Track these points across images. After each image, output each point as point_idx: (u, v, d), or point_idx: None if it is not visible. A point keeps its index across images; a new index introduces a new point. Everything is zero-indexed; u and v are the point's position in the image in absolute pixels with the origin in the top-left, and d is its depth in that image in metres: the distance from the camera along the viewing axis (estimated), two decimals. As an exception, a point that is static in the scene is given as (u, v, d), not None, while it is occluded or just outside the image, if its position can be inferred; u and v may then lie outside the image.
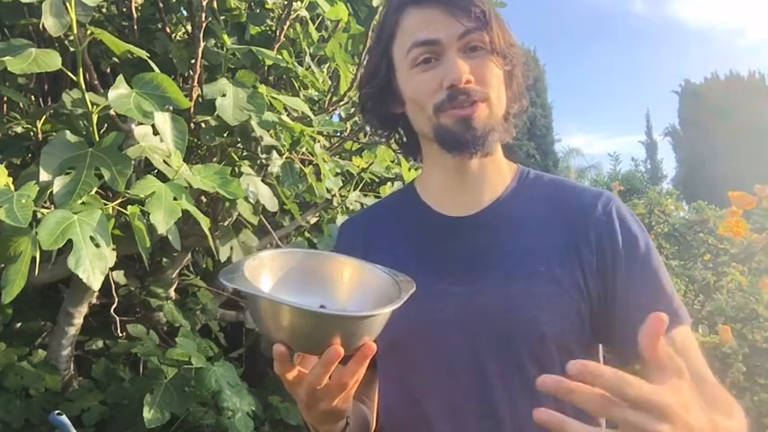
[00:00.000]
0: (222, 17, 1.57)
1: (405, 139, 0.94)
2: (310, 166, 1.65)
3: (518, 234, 0.83)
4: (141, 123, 1.26)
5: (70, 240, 0.99)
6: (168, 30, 1.61)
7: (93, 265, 1.01)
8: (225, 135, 1.51)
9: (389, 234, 0.91)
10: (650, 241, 0.84)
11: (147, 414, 1.34)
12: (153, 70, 1.21)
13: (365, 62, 0.94)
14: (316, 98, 1.97)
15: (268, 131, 1.51)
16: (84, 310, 1.50)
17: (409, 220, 0.91)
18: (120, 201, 1.15)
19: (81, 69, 1.12)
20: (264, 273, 0.70)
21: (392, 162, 2.02)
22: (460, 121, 0.78)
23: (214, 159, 1.58)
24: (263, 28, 1.67)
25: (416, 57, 0.80)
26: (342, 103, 1.79)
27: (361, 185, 1.96)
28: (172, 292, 1.83)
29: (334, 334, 0.59)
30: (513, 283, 0.78)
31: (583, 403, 0.50)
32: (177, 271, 1.85)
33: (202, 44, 1.40)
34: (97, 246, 1.03)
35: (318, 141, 1.69)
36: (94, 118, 1.18)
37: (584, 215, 0.82)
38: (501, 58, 0.81)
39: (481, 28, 0.78)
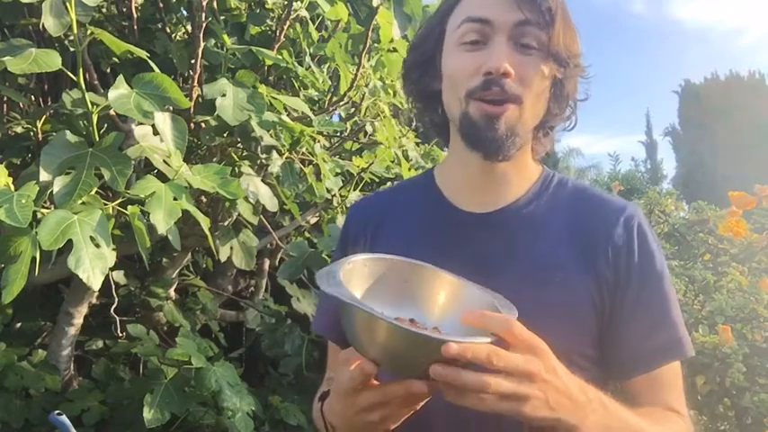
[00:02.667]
0: (222, 17, 1.57)
1: (437, 121, 0.89)
2: (310, 166, 1.65)
3: (536, 239, 0.80)
4: (141, 123, 1.26)
5: (70, 240, 0.99)
6: (168, 30, 1.61)
7: (93, 265, 1.01)
8: (225, 135, 1.51)
9: (402, 221, 0.89)
10: (665, 264, 0.82)
11: (147, 414, 1.34)
12: (153, 70, 1.21)
13: (418, 30, 0.90)
14: (316, 98, 1.96)
15: (268, 131, 1.50)
16: (84, 310, 1.50)
17: (425, 210, 0.88)
18: (120, 201, 1.15)
19: (81, 69, 1.12)
20: (356, 279, 0.67)
21: (392, 162, 2.02)
22: (485, 117, 0.75)
23: (214, 159, 1.58)
24: (263, 28, 1.67)
25: (464, 33, 0.76)
26: (342, 103, 1.79)
27: (361, 185, 1.96)
28: (172, 292, 1.83)
29: (432, 359, 0.55)
30: (526, 290, 0.75)
31: (464, 384, 0.55)
32: (177, 271, 1.85)
33: (202, 44, 1.40)
34: (97, 246, 1.03)
35: (318, 141, 1.69)
36: (94, 118, 1.18)
37: (605, 228, 0.80)
38: (555, 63, 0.76)
39: (541, 24, 0.73)
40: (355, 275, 0.67)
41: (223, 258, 1.60)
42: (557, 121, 0.84)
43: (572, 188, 0.86)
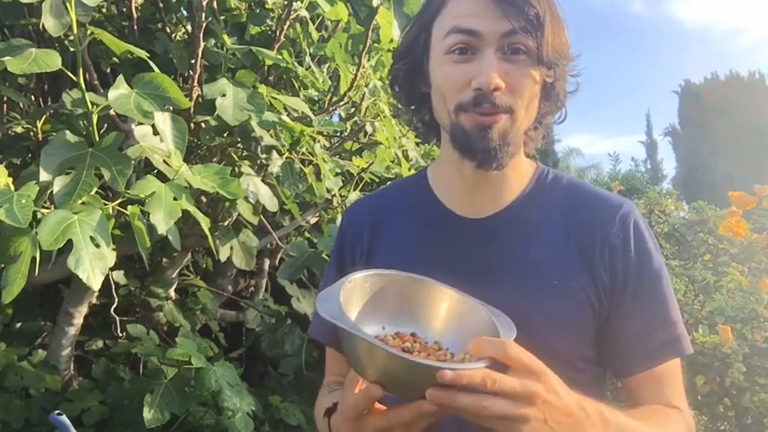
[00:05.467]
0: (222, 17, 1.57)
1: (428, 120, 0.88)
2: (310, 166, 1.65)
3: (531, 243, 0.80)
4: (141, 123, 1.26)
5: (70, 240, 0.99)
6: (168, 30, 1.61)
7: (93, 265, 1.01)
8: (225, 135, 1.51)
9: (398, 226, 0.88)
10: (663, 262, 0.82)
11: (147, 414, 1.34)
12: (153, 70, 1.21)
13: (403, 34, 0.89)
14: (316, 98, 1.97)
15: (268, 131, 1.50)
16: (84, 310, 1.50)
17: (420, 214, 0.87)
18: (120, 201, 1.15)
19: (81, 69, 1.12)
20: (358, 295, 0.67)
21: (392, 162, 2.02)
22: (478, 128, 0.74)
23: (214, 159, 1.58)
24: (263, 28, 1.67)
25: (453, 44, 0.75)
26: (342, 103, 1.79)
27: (361, 185, 1.96)
28: (172, 292, 1.83)
29: (431, 382, 0.57)
30: (524, 297, 0.75)
31: (461, 407, 0.56)
32: (177, 271, 1.85)
33: (202, 44, 1.40)
34: (97, 246, 1.03)
35: (318, 141, 1.69)
36: (94, 118, 1.18)
37: (601, 228, 0.79)
38: (545, 68, 0.75)
39: (529, 31, 0.72)
40: (356, 292, 0.68)
41: (223, 258, 1.60)
42: (548, 119, 0.85)
43: (567, 185, 0.85)
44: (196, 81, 1.42)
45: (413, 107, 0.89)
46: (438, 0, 0.80)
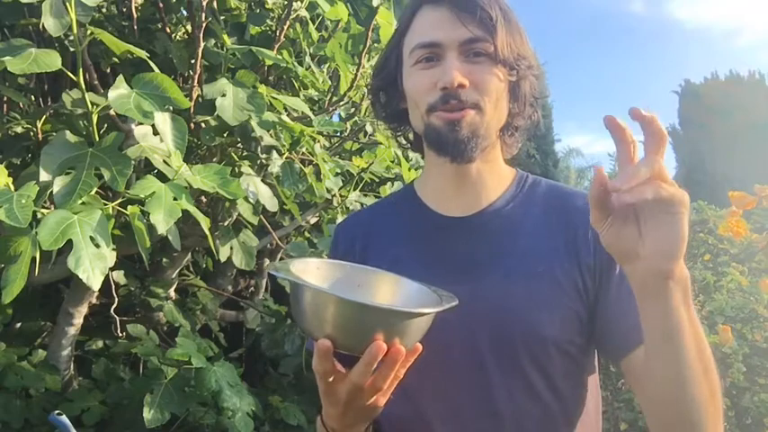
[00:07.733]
0: (222, 17, 1.57)
1: (412, 135, 0.95)
2: (310, 166, 1.65)
3: (517, 235, 0.83)
4: (141, 123, 1.26)
5: (70, 240, 0.99)
6: (168, 30, 1.61)
7: (93, 265, 1.01)
8: (225, 135, 1.51)
9: (389, 233, 0.92)
10: None
11: (147, 414, 1.34)
12: (153, 70, 1.21)
13: (381, 54, 0.96)
14: (316, 98, 1.97)
15: (268, 131, 1.51)
16: (84, 310, 1.50)
17: (409, 219, 0.91)
18: (120, 201, 1.15)
19: (81, 69, 1.12)
20: (309, 279, 0.69)
21: (392, 162, 2.02)
22: (447, 124, 0.79)
23: (214, 159, 1.58)
24: (263, 28, 1.67)
25: (418, 57, 0.81)
26: (342, 103, 1.79)
27: (361, 185, 1.96)
28: (172, 292, 1.83)
29: (377, 330, 0.58)
30: (513, 285, 0.78)
31: (647, 198, 0.58)
32: (177, 271, 1.85)
33: (202, 44, 1.40)
34: (97, 246, 1.03)
35: (318, 141, 1.69)
36: (94, 118, 1.18)
37: (583, 217, 0.81)
38: (505, 68, 0.80)
39: (485, 36, 0.78)
40: (308, 276, 0.70)
41: (223, 258, 1.60)
42: (520, 121, 0.87)
43: (546, 186, 0.90)
44: (196, 81, 1.42)
45: (394, 125, 0.94)
46: (406, 18, 0.86)
